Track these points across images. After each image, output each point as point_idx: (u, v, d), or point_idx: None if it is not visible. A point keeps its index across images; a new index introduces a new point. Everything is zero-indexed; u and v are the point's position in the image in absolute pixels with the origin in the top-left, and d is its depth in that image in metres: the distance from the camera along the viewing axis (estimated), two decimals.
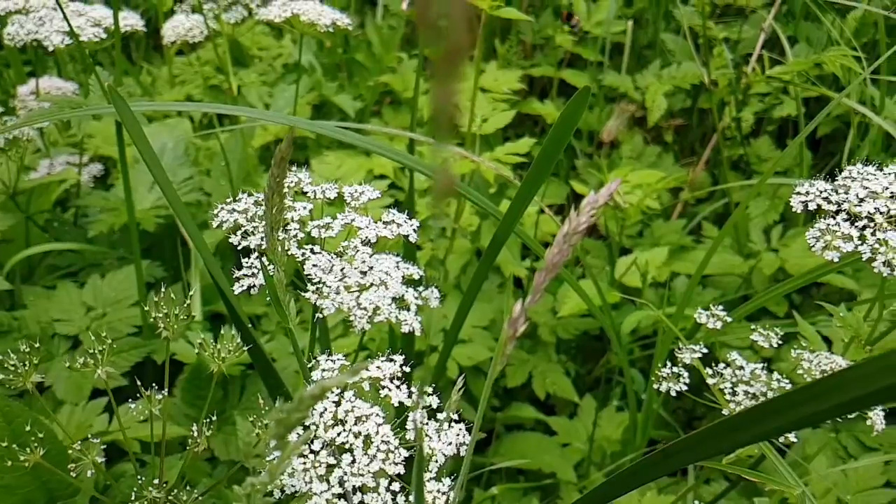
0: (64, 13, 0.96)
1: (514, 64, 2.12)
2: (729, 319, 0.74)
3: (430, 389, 0.52)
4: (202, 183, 1.40)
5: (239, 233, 0.55)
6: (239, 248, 0.54)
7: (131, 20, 1.08)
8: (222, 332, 1.15)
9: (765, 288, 1.34)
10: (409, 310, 0.65)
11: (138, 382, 0.75)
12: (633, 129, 2.00)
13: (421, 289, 0.68)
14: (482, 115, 1.39)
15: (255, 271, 0.53)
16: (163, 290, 0.71)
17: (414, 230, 0.61)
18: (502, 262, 1.45)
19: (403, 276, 0.65)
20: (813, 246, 0.61)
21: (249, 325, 0.74)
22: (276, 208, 0.45)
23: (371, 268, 0.58)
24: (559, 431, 1.21)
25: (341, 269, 0.56)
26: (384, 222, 0.61)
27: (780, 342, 0.73)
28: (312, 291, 0.53)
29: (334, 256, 0.57)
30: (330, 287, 0.54)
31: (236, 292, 0.53)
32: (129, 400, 1.09)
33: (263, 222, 0.55)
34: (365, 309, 0.58)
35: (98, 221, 1.25)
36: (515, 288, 1.57)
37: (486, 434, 1.32)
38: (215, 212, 0.56)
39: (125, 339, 1.13)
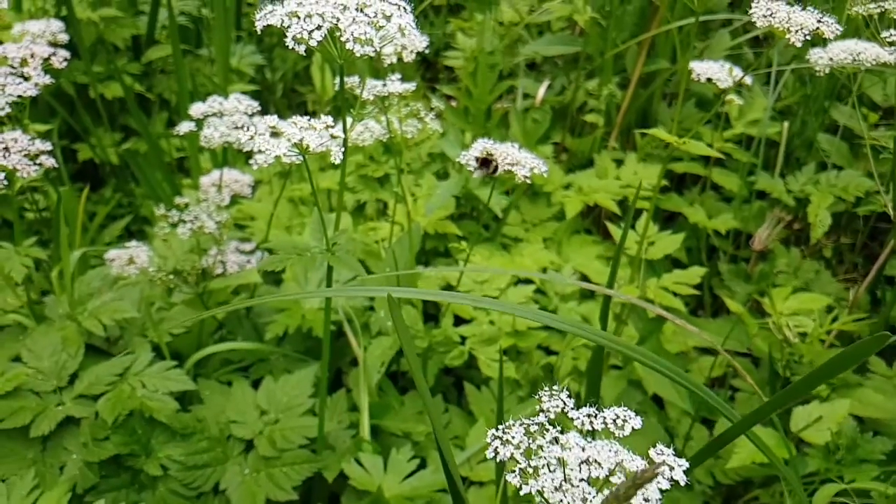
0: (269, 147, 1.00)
1: (653, 156, 2.08)
2: None
3: None
4: (364, 282, 1.42)
5: (517, 469, 0.55)
6: (515, 483, 0.54)
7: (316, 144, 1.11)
8: (392, 454, 1.16)
9: None
10: None
11: None
12: (782, 232, 1.93)
13: None
14: (649, 237, 1.37)
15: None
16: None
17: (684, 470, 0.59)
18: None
19: None
20: None
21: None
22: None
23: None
24: None
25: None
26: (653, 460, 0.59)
27: None
28: None
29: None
30: None
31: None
32: None
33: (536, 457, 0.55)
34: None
35: (274, 324, 1.29)
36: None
37: None
38: (488, 440, 0.57)
39: (297, 451, 1.15)
